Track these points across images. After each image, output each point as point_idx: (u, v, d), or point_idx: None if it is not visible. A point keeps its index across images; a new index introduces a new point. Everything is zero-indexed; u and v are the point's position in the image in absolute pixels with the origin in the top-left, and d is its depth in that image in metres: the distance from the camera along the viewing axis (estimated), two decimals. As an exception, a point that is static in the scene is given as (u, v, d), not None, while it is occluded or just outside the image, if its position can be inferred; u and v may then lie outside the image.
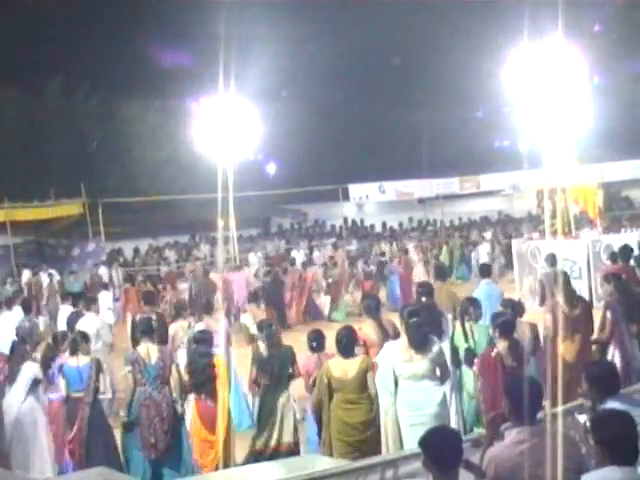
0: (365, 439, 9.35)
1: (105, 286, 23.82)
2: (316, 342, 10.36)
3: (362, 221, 45.23)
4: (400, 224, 44.16)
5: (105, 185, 39.80)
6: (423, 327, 9.54)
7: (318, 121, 46.50)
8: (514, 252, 23.02)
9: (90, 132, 43.27)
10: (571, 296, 11.16)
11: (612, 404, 6.30)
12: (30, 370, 10.82)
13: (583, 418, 6.94)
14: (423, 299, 11.98)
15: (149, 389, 10.16)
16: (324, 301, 25.05)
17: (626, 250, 15.14)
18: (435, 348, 9.42)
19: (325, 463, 7.78)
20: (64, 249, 34.62)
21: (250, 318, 14.32)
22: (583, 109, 24.80)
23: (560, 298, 11.08)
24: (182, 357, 12.10)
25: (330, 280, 25.51)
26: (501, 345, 9.07)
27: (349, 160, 46.61)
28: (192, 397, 10.59)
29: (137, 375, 10.26)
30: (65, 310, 15.64)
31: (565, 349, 10.56)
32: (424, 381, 9.26)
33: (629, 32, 40.28)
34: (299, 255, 32.27)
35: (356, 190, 41.94)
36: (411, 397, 9.26)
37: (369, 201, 44.52)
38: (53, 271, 28.07)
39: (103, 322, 14.64)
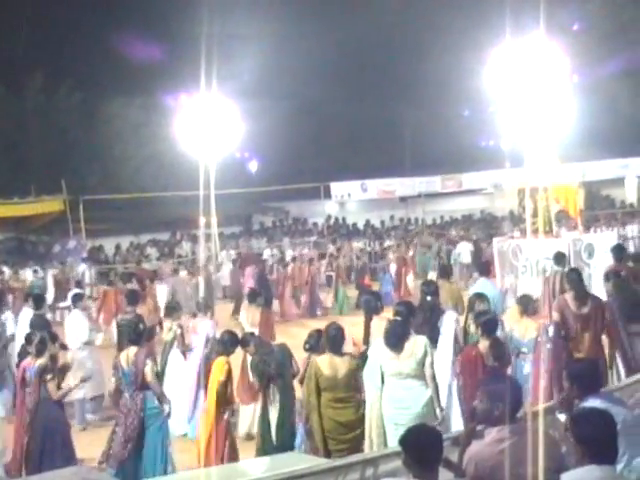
0: (356, 436, 9.36)
1: (78, 284, 23.76)
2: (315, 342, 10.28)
3: (344, 219, 45.22)
4: (382, 222, 44.18)
5: (86, 182, 39.68)
6: (400, 327, 9.55)
7: (300, 119, 46.45)
8: (495, 251, 23.05)
9: (71, 129, 43.10)
10: (581, 294, 11.12)
11: (593, 403, 6.31)
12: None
13: (563, 417, 6.95)
14: (428, 298, 12.01)
15: (126, 395, 10.13)
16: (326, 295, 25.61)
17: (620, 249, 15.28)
18: (421, 348, 9.43)
19: (305, 461, 7.75)
20: (45, 246, 34.52)
21: (245, 317, 14.23)
22: (565, 108, 24.86)
23: (569, 296, 11.10)
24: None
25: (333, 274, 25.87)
26: (482, 344, 9.07)
27: (331, 158, 46.64)
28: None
29: (118, 381, 10.27)
30: (27, 312, 15.31)
31: (574, 346, 10.63)
32: (409, 380, 9.26)
33: (611, 30, 40.43)
34: (270, 253, 32.34)
35: (338, 188, 42.00)
36: (396, 394, 9.27)
37: (351, 199, 44.55)
38: (38, 267, 28.00)
39: (83, 318, 14.45)
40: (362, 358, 9.72)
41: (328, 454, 9.16)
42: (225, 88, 26.71)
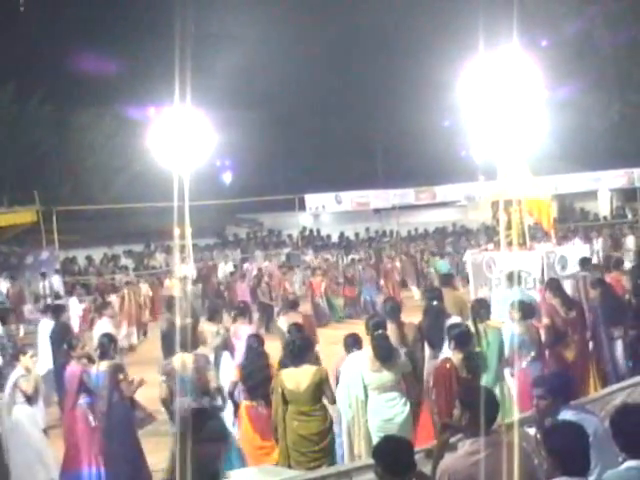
0: (320, 449, 9.32)
1: (56, 295, 23.62)
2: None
3: (318, 231, 45.20)
4: (356, 234, 44.21)
5: (59, 193, 39.49)
6: (388, 340, 9.62)
7: (274, 131, 46.49)
8: (469, 263, 23.11)
9: (43, 140, 42.90)
10: (567, 300, 11.67)
11: (564, 415, 6.33)
12: (14, 377, 10.82)
13: (533, 430, 6.97)
14: (434, 303, 12.27)
15: (188, 400, 9.90)
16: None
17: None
18: (401, 359, 9.50)
19: (278, 474, 7.73)
20: (17, 257, 34.27)
21: (285, 323, 13.90)
22: (538, 122, 24.99)
23: (556, 302, 11.56)
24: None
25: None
26: (456, 357, 9.09)
27: (305, 170, 46.71)
28: (243, 403, 10.41)
29: (173, 386, 10.07)
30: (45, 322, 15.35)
31: (566, 350, 11.06)
32: (391, 392, 9.34)
33: (582, 46, 40.74)
34: (226, 267, 32.12)
35: (312, 200, 41.93)
36: (380, 408, 9.34)
37: (325, 211, 44.52)
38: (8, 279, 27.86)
39: (112, 328, 14.23)
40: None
41: (289, 466, 9.16)
42: (198, 99, 26.57)
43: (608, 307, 12.09)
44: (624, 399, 8.64)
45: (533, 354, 11.05)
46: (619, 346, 11.92)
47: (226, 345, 12.87)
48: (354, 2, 45.59)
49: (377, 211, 46.11)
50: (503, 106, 22.00)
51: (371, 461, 6.22)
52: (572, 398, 6.74)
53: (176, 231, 25.90)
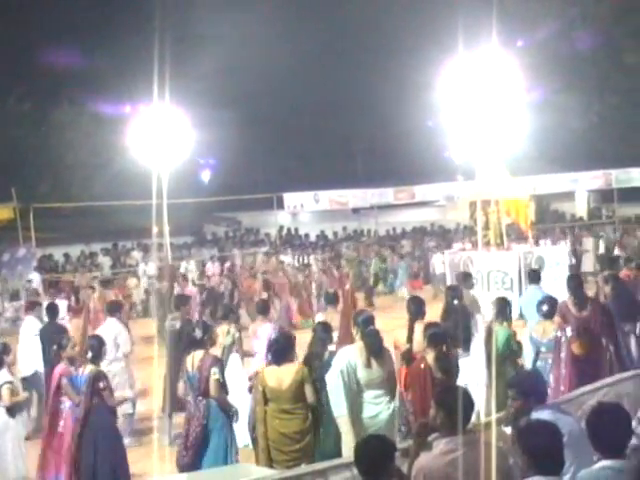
0: (301, 448, 9.29)
1: (35, 292, 23.45)
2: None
3: (296, 230, 45.20)
4: (335, 233, 44.23)
5: (37, 190, 39.32)
6: (379, 335, 9.66)
7: (254, 129, 46.44)
8: (447, 263, 23.19)
9: (22, 138, 42.68)
10: (580, 299, 11.65)
11: (540, 414, 6.36)
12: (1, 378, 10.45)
13: (509, 429, 7.00)
14: (455, 302, 12.29)
15: (191, 400, 9.94)
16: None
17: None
18: (388, 356, 9.56)
19: (253, 472, 7.72)
20: (-6, 254, 34.10)
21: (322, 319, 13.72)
22: (516, 123, 25.08)
23: (569, 301, 11.65)
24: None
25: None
26: (430, 356, 9.12)
27: (284, 169, 46.66)
28: None
29: (184, 385, 10.11)
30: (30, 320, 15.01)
31: (576, 348, 11.03)
32: (378, 388, 9.39)
33: (561, 47, 40.90)
34: (191, 267, 31.89)
35: (291, 199, 41.91)
36: (366, 405, 9.36)
37: (304, 210, 44.51)
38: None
39: (122, 329, 13.91)
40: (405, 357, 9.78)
41: (271, 465, 9.15)
42: (178, 98, 26.55)
43: (620, 302, 12.49)
44: (600, 399, 8.69)
45: (543, 349, 11.34)
46: (632, 340, 12.44)
47: (237, 346, 12.86)
48: (335, 2, 45.62)
49: (356, 210, 46.15)
50: (482, 106, 22.08)
51: (347, 460, 6.24)
52: (544, 398, 6.76)
53: (154, 229, 25.86)
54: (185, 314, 13.99)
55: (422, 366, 9.15)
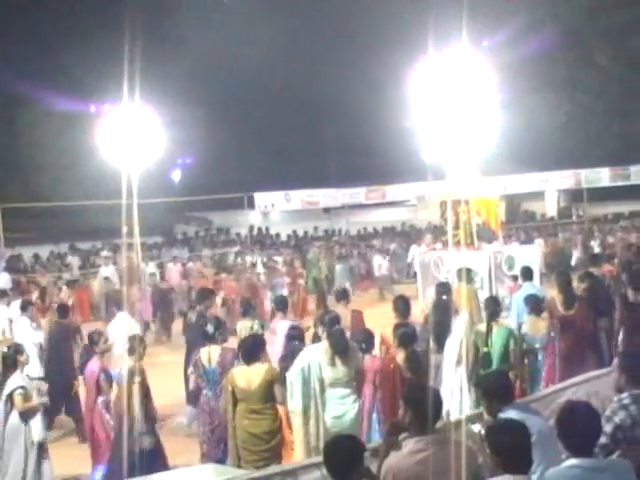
0: (271, 448, 9.34)
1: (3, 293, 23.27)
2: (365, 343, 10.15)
3: (267, 229, 45.12)
4: (305, 233, 44.22)
5: (6, 190, 38.99)
6: (344, 335, 9.69)
7: (224, 129, 46.28)
8: (417, 263, 23.21)
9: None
10: (568, 298, 11.99)
11: (508, 413, 6.37)
12: (11, 386, 10.20)
13: (477, 428, 7.02)
14: (444, 297, 12.50)
15: (209, 394, 9.99)
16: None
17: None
18: (355, 354, 9.57)
19: (223, 473, 7.70)
20: (-38, 255, 33.84)
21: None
22: (486, 122, 25.14)
23: (558, 299, 12.01)
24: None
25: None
26: (400, 356, 9.15)
27: (255, 168, 46.53)
28: None
29: (198, 379, 10.16)
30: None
31: (563, 344, 11.50)
32: (344, 387, 9.38)
33: (532, 46, 41.04)
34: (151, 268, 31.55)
35: (262, 198, 41.87)
36: (332, 404, 9.36)
37: (275, 209, 44.47)
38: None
39: (135, 325, 13.96)
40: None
41: (239, 464, 9.16)
42: (149, 97, 26.37)
43: (595, 299, 12.75)
44: (568, 398, 8.72)
45: (537, 345, 11.75)
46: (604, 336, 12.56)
47: None
48: (307, 1, 45.57)
49: (327, 210, 46.16)
50: (452, 106, 22.13)
51: (317, 460, 6.22)
52: (509, 399, 6.77)
53: (124, 229, 25.73)
54: (205, 309, 14.07)
55: (392, 366, 9.18)
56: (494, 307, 11.51)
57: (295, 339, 10.84)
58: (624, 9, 41.20)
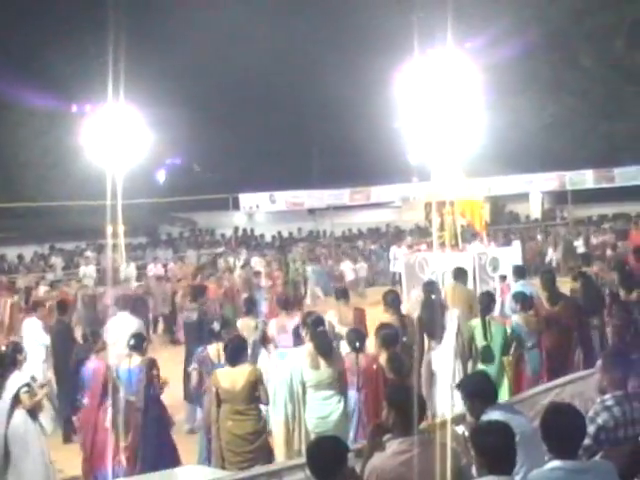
0: (255, 449, 9.30)
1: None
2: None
3: (252, 230, 45.09)
4: (290, 234, 44.21)
5: (-12, 190, 38.92)
6: (328, 336, 9.70)
7: (209, 130, 46.22)
8: (402, 264, 23.22)
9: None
10: (554, 295, 12.34)
11: (492, 414, 6.37)
12: (15, 385, 9.93)
13: (461, 429, 7.02)
14: (432, 296, 12.57)
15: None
16: None
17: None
18: (338, 356, 9.57)
19: (206, 474, 7.69)
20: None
21: (335, 316, 13.49)
22: (471, 123, 25.18)
23: (544, 296, 12.42)
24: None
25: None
26: (382, 357, 9.16)
27: (240, 169, 46.49)
28: None
29: (206, 375, 10.10)
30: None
31: (547, 340, 11.70)
32: (328, 389, 9.38)
33: (517, 48, 41.14)
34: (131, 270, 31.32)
35: (246, 199, 41.80)
36: (316, 405, 9.37)
37: (260, 210, 44.42)
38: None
39: (136, 321, 13.82)
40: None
41: (224, 466, 9.14)
42: (133, 97, 26.43)
43: (588, 298, 13.12)
44: (552, 399, 8.74)
45: (530, 344, 11.72)
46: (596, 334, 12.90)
47: (263, 340, 12.74)
48: (293, 2, 45.55)
49: (312, 211, 46.15)
50: (437, 108, 22.16)
51: (301, 461, 6.21)
52: (491, 399, 6.76)
53: (108, 229, 25.69)
54: (202, 305, 14.01)
55: (374, 367, 9.18)
56: (488, 302, 11.69)
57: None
58: (608, 11, 41.32)
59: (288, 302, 13.79)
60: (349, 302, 13.70)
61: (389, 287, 30.88)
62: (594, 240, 34.56)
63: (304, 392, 9.43)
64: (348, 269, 31.93)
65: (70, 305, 16.55)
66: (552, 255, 34.19)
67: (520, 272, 15.39)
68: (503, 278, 18.28)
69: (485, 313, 11.39)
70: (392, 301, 12.07)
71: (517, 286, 14.65)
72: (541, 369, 11.70)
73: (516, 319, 12.00)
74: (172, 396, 11.95)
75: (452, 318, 11.43)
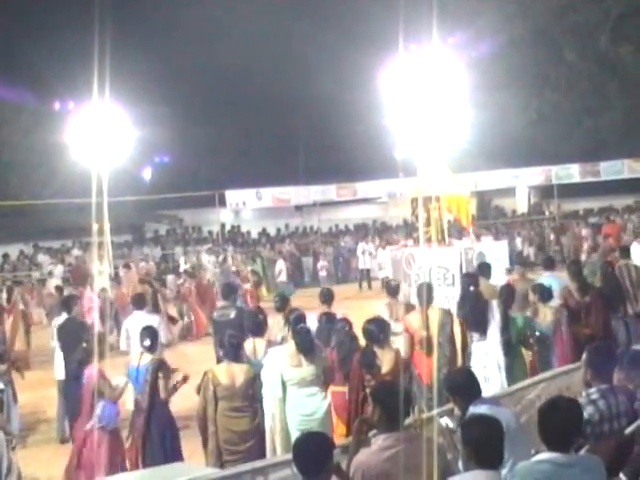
0: (251, 447, 9.31)
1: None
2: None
3: (239, 227, 45.06)
4: (278, 230, 44.21)
5: (-26, 189, 38.79)
6: (310, 333, 9.67)
7: (195, 127, 46.15)
8: (389, 259, 23.25)
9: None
10: (583, 285, 12.28)
11: (479, 408, 6.38)
12: None
13: (445, 422, 7.04)
14: (471, 288, 12.56)
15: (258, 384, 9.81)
16: None
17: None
18: (322, 354, 9.56)
19: (192, 471, 7.65)
20: None
21: (387, 311, 13.29)
22: (457, 119, 25.23)
23: (573, 287, 12.27)
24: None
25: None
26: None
27: (226, 166, 46.41)
28: (330, 389, 9.93)
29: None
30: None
31: (578, 331, 11.63)
32: (311, 386, 9.35)
33: (502, 44, 41.22)
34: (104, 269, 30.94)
35: (233, 196, 41.74)
36: (300, 402, 9.36)
37: (246, 207, 44.38)
38: None
39: (160, 319, 13.80)
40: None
41: (221, 465, 9.09)
42: (118, 95, 26.37)
43: (610, 290, 12.97)
44: (538, 393, 8.76)
45: (539, 333, 11.83)
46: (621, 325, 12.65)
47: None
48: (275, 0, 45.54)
49: (298, 207, 46.13)
50: (423, 104, 22.20)
51: (287, 457, 6.20)
52: (475, 395, 6.76)
53: (94, 227, 25.61)
54: (233, 302, 13.94)
55: (357, 362, 9.23)
56: (508, 295, 11.80)
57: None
58: (592, 6, 41.47)
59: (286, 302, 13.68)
60: (331, 307, 13.45)
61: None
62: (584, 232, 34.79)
63: (284, 392, 9.41)
64: (277, 270, 31.71)
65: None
66: (528, 249, 34.80)
67: (549, 263, 15.42)
68: (509, 271, 18.34)
69: (506, 306, 11.42)
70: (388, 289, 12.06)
71: (545, 277, 14.68)
72: (556, 361, 11.68)
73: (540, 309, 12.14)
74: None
75: (495, 311, 11.46)
